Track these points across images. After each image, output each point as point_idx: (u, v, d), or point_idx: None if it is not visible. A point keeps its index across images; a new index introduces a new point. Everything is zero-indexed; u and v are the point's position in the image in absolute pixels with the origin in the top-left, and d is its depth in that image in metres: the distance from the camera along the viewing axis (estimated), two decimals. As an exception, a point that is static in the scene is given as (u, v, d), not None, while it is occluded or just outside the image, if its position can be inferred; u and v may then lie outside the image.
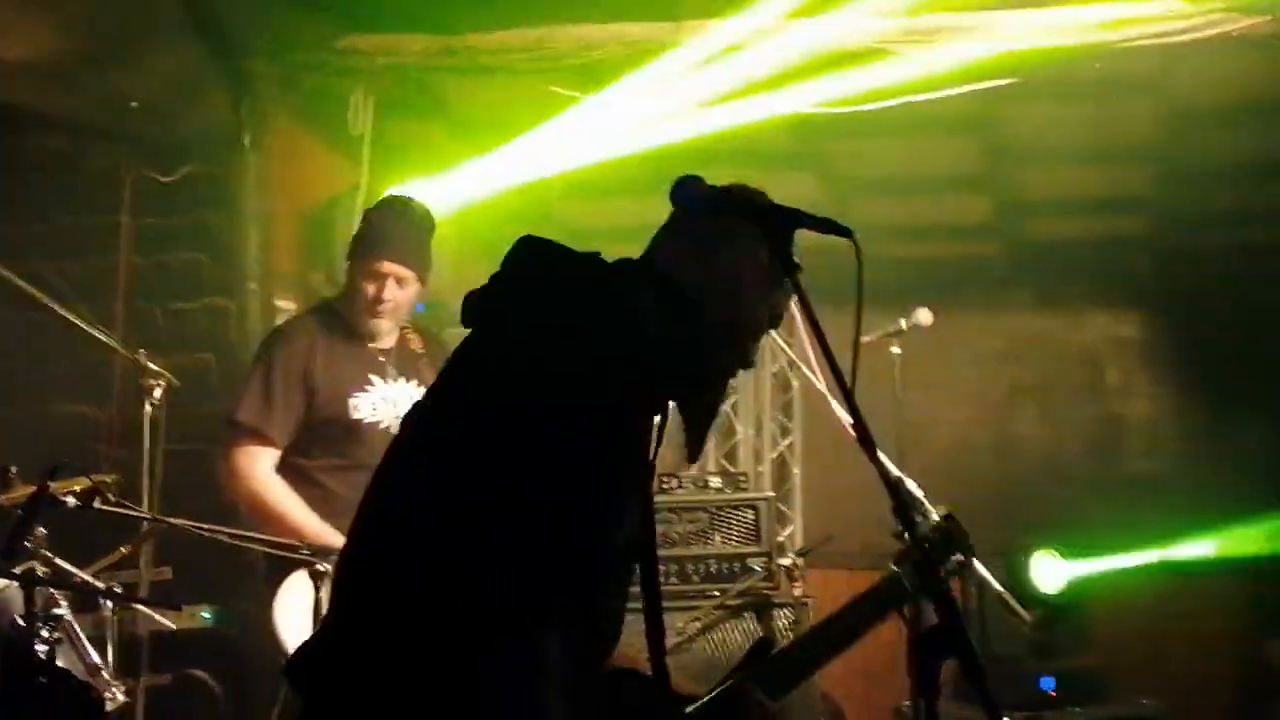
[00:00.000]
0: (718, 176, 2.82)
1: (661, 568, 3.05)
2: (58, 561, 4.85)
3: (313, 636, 2.75)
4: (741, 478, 6.52)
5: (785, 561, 5.97)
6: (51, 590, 4.74)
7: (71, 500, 4.67)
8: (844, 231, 2.62)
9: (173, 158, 6.93)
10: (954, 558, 3.32)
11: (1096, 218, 8.97)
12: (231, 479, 5.33)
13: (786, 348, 5.85)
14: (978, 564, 5.39)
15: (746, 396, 9.69)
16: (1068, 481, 9.54)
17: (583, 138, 6.54)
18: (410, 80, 7.12)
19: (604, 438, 2.59)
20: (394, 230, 5.43)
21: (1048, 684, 6.62)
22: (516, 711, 2.44)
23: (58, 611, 4.76)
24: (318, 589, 4.61)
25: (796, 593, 5.91)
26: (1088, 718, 6.55)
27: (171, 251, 6.94)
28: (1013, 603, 5.60)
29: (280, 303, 7.17)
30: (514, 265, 2.67)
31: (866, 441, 2.55)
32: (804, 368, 5.43)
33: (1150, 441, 9.83)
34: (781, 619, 5.94)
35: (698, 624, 5.71)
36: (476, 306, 2.67)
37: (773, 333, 5.72)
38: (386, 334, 5.47)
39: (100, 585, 5.06)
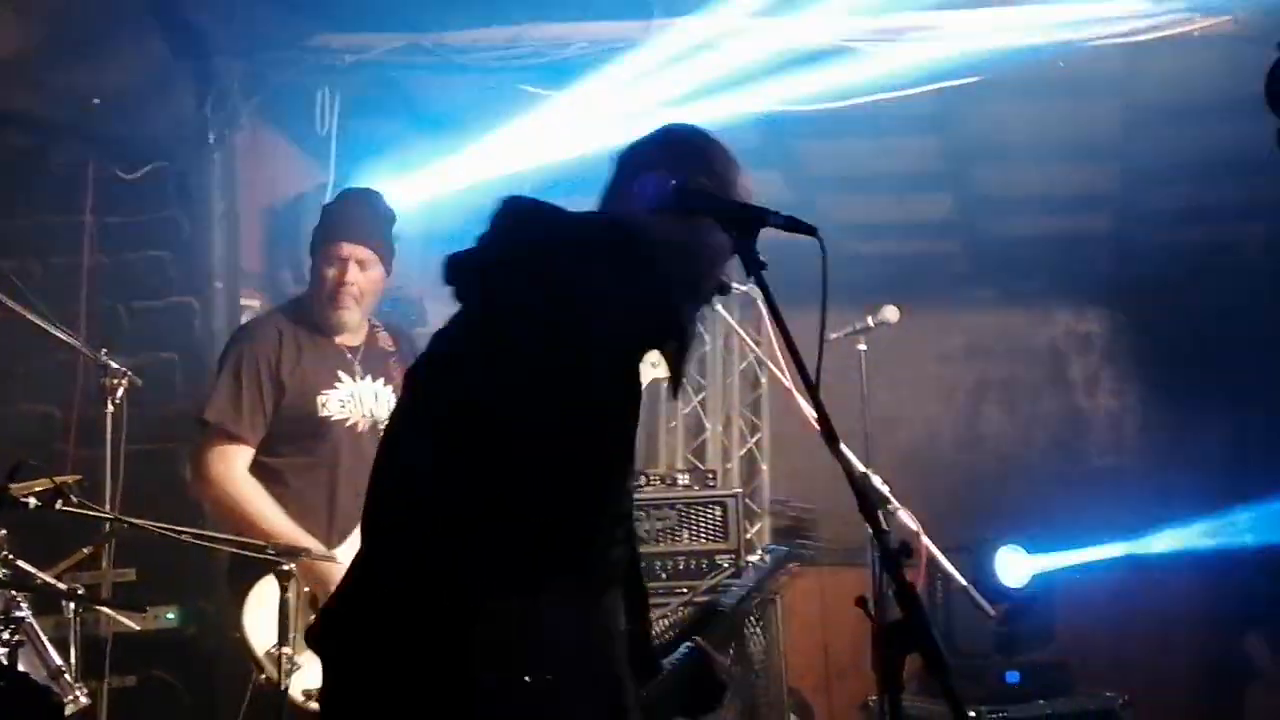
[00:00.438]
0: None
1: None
2: (19, 563, 4.82)
3: (334, 600, 2.77)
4: (710, 475, 6.54)
5: (753, 558, 5.99)
6: (12, 592, 4.71)
7: (33, 501, 4.64)
8: (809, 230, 2.64)
9: (137, 155, 6.89)
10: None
11: (1060, 215, 9.01)
12: (201, 480, 5.31)
13: (754, 346, 5.87)
14: (942, 558, 5.42)
15: (715, 393, 9.71)
16: (1031, 476, 9.59)
17: (552, 136, 6.55)
18: (378, 78, 7.11)
19: (630, 386, 2.66)
20: (351, 214, 5.42)
21: (1012, 678, 6.66)
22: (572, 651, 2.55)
23: (19, 614, 4.72)
24: (284, 589, 4.59)
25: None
26: (1052, 711, 6.59)
27: (136, 249, 6.90)
28: (977, 597, 5.63)
29: (246, 301, 7.14)
30: (512, 222, 2.73)
31: (830, 437, 2.58)
32: (771, 365, 5.45)
33: (1113, 436, 9.89)
34: (749, 616, 5.96)
35: (666, 621, 5.73)
36: (477, 266, 2.71)
37: (740, 330, 5.78)
38: (354, 328, 5.44)
39: (62, 587, 5.03)
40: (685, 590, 5.82)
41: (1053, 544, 7.29)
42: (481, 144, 6.78)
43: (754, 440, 9.76)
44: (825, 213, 8.52)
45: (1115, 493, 9.35)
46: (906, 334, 6.32)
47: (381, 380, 5.41)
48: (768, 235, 2.69)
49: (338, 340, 5.42)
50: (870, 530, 2.62)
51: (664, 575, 5.96)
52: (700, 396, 9.55)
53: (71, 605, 5.15)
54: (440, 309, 2.88)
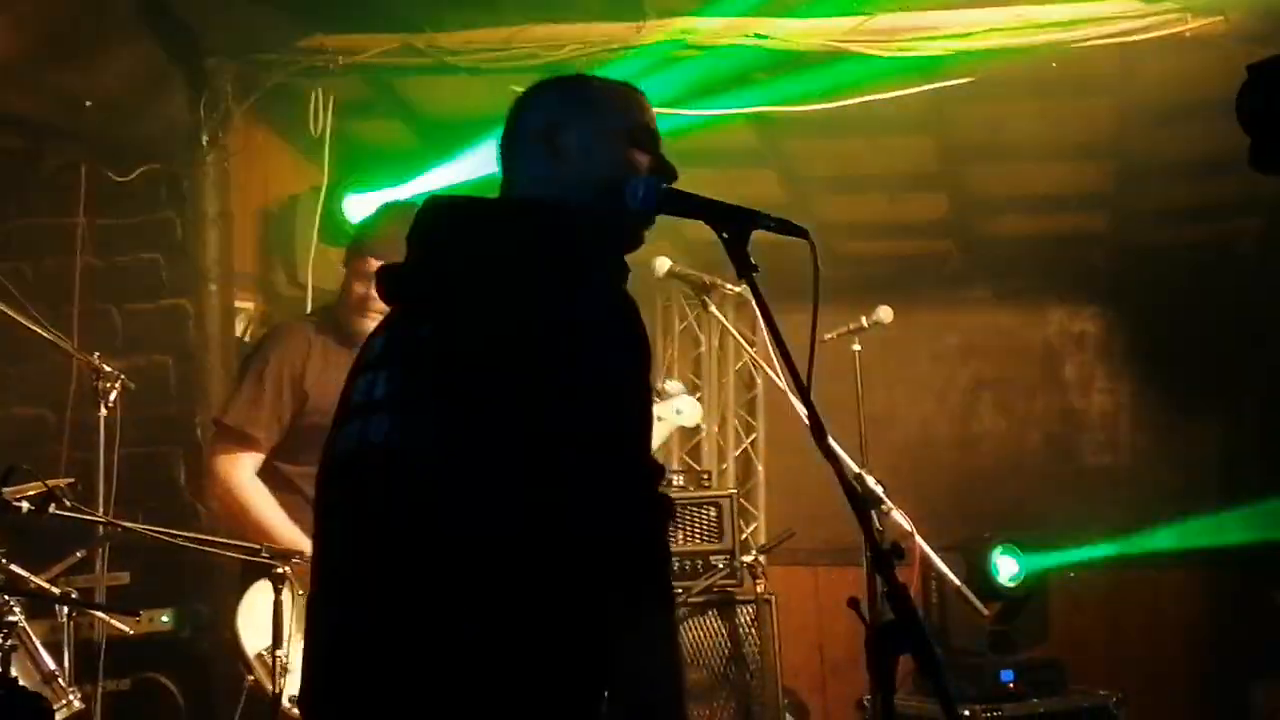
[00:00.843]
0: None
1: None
2: (11, 567, 4.82)
3: (330, 678, 2.65)
4: (705, 475, 6.55)
5: (748, 558, 6.00)
6: (5, 596, 4.71)
7: (26, 505, 4.64)
8: (800, 232, 2.66)
9: (130, 157, 6.89)
10: None
11: (1053, 214, 9.01)
12: (211, 481, 5.31)
13: (749, 346, 5.89)
14: (936, 558, 5.43)
15: (710, 394, 9.72)
16: (1026, 475, 9.59)
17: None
18: (372, 79, 7.11)
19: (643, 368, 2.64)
20: (385, 229, 5.41)
21: (1007, 676, 6.65)
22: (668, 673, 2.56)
23: (11, 618, 4.72)
24: (277, 592, 4.59)
25: (759, 589, 5.93)
26: (1045, 709, 6.59)
27: (129, 252, 6.90)
28: (971, 596, 5.64)
29: (240, 303, 7.14)
30: (449, 233, 2.77)
31: (822, 437, 2.58)
32: (765, 366, 5.46)
33: (1107, 435, 9.88)
34: (744, 616, 5.97)
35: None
36: (434, 281, 2.73)
37: (735, 331, 5.78)
38: None
39: (56, 591, 5.03)
40: (681, 591, 5.82)
41: (1047, 542, 7.28)
42: (475, 146, 6.77)
43: (749, 441, 9.77)
44: (819, 213, 8.53)
45: (1109, 491, 9.36)
46: (901, 334, 6.32)
47: None
48: (761, 234, 2.69)
49: None
50: (862, 531, 2.63)
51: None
52: (695, 397, 9.55)
53: (65, 609, 5.15)
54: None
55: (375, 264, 5.25)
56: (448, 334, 2.65)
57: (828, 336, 5.82)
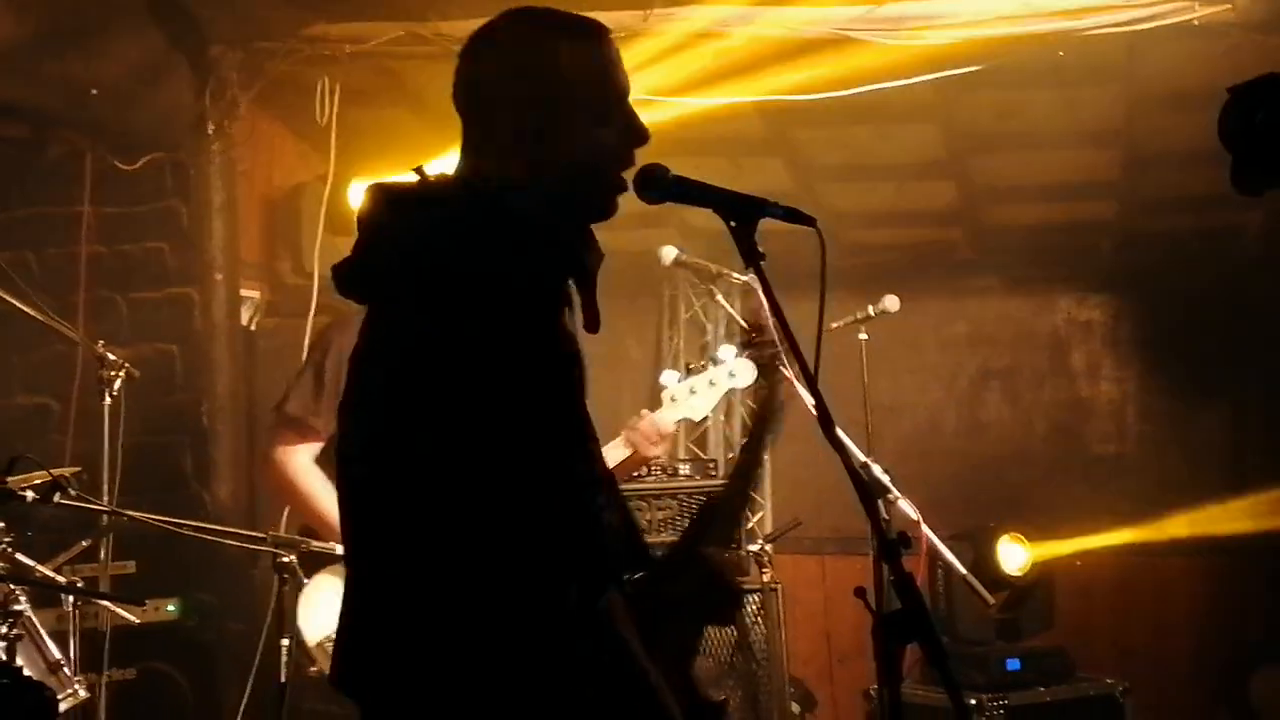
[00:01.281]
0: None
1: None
2: (17, 556, 4.81)
3: (339, 642, 2.68)
4: (711, 465, 6.53)
5: (755, 547, 5.99)
6: (10, 586, 4.70)
7: (30, 494, 4.64)
8: (808, 221, 2.64)
9: (135, 146, 6.88)
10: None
11: (1061, 202, 8.99)
12: (269, 469, 5.27)
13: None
14: (943, 547, 5.42)
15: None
16: (1033, 464, 9.58)
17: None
18: (378, 68, 7.09)
19: (550, 353, 2.55)
20: None
21: (1013, 665, 6.66)
22: (615, 671, 2.48)
23: (17, 607, 4.72)
24: (282, 581, 4.58)
25: (765, 578, 5.93)
26: (1052, 698, 6.60)
27: (134, 240, 6.90)
28: (977, 585, 5.64)
29: (246, 292, 7.14)
30: (379, 219, 2.65)
31: (829, 426, 2.58)
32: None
33: (1114, 424, 9.87)
34: (751, 605, 5.96)
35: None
36: (360, 274, 2.65)
37: (741, 320, 5.76)
38: None
39: (61, 580, 5.03)
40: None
41: (1053, 531, 7.29)
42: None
43: (755, 429, 9.75)
44: (826, 201, 8.52)
45: (1116, 480, 9.36)
46: (908, 322, 6.33)
47: None
48: (768, 223, 2.67)
49: None
50: (869, 520, 2.62)
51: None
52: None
53: (70, 598, 5.15)
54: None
55: None
56: (363, 332, 2.67)
57: (835, 325, 5.81)
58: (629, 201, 2.76)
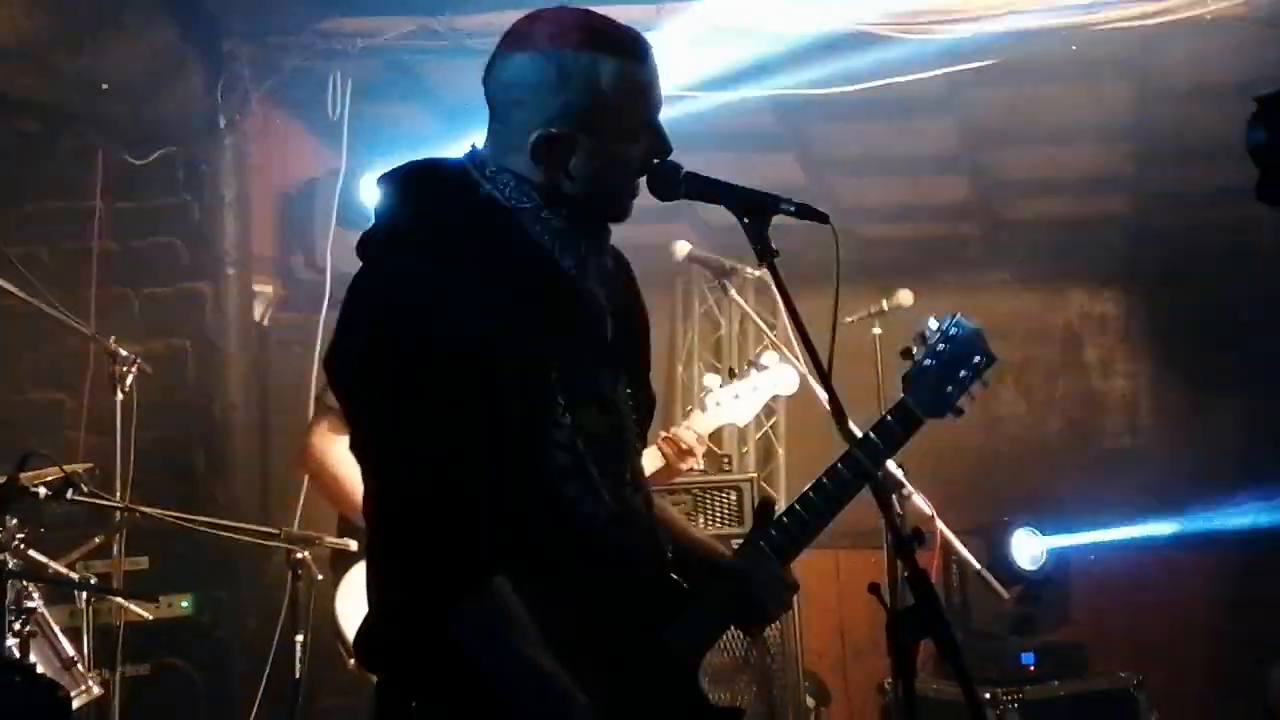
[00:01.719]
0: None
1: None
2: (30, 553, 4.81)
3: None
4: (725, 459, 6.53)
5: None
6: (24, 582, 4.71)
7: (43, 491, 4.64)
8: (821, 217, 2.63)
9: (147, 140, 6.88)
10: (974, 360, 3.28)
11: (1074, 197, 8.97)
12: (307, 456, 5.25)
13: (769, 330, 5.85)
14: (957, 542, 5.41)
15: (730, 378, 9.68)
16: (1047, 458, 9.56)
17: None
18: (390, 62, 7.09)
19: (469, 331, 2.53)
20: None
21: (1027, 659, 6.65)
22: (495, 671, 2.47)
23: (30, 604, 4.72)
24: (296, 577, 4.58)
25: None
26: (1066, 691, 6.59)
27: (146, 235, 6.90)
28: (991, 580, 5.63)
29: (259, 287, 7.14)
30: (384, 194, 2.73)
31: (843, 422, 2.58)
32: (785, 350, 5.44)
33: (1128, 418, 9.85)
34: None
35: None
36: (361, 241, 2.71)
37: (755, 315, 5.76)
38: None
39: (74, 576, 5.03)
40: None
41: (1068, 525, 7.27)
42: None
43: (770, 424, 9.74)
44: (840, 196, 8.50)
45: (1130, 474, 9.32)
46: (922, 317, 6.29)
47: None
48: (781, 216, 2.66)
49: None
50: (882, 516, 2.62)
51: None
52: (719, 381, 9.52)
53: (83, 595, 5.15)
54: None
55: None
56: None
57: (848, 320, 5.80)
58: (642, 196, 2.76)
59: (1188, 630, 8.92)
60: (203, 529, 4.92)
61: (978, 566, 5.57)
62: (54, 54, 6.28)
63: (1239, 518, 8.23)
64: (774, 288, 2.66)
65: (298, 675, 4.69)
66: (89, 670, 4.96)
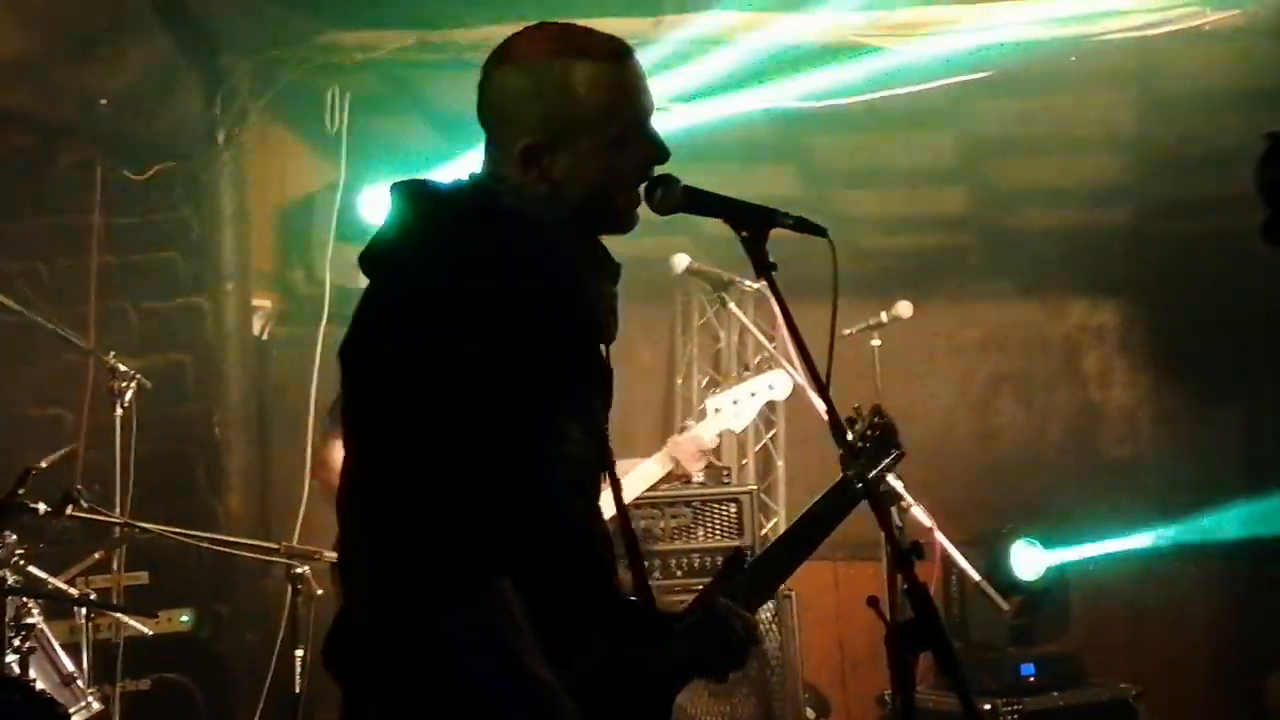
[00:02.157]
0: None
1: (645, 563, 3.00)
2: (29, 568, 4.81)
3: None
4: (724, 471, 6.53)
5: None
6: (23, 598, 4.70)
7: (43, 506, 4.63)
8: (819, 231, 2.64)
9: (146, 155, 6.89)
10: (892, 452, 3.35)
11: (1073, 208, 8.97)
12: (321, 467, 5.25)
13: (768, 343, 5.86)
14: (956, 554, 5.41)
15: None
16: (1046, 469, 9.55)
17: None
18: (388, 76, 7.09)
19: (520, 353, 2.50)
20: None
21: (1027, 670, 6.65)
22: (491, 674, 2.40)
23: (30, 620, 4.72)
24: (295, 592, 4.58)
25: (773, 592, 5.92)
26: (1066, 703, 6.58)
27: (145, 251, 6.90)
28: (991, 591, 5.63)
29: (258, 301, 7.14)
30: (394, 208, 2.67)
31: (840, 432, 2.59)
32: (784, 362, 5.44)
33: (1128, 428, 9.84)
34: (764, 611, 5.95)
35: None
36: (371, 255, 2.65)
37: (753, 328, 5.77)
38: None
39: (74, 592, 5.03)
40: (700, 588, 5.80)
41: (1067, 536, 7.27)
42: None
43: (769, 437, 9.73)
44: (838, 208, 8.50)
45: (1129, 485, 9.31)
46: (920, 328, 6.32)
47: None
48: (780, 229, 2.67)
49: None
50: (882, 529, 2.63)
51: (679, 573, 5.96)
52: (715, 393, 9.52)
53: (83, 610, 5.15)
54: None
55: None
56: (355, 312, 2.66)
57: (847, 332, 5.81)
58: (640, 209, 2.76)
59: (1187, 641, 8.92)
60: (202, 544, 4.91)
61: (977, 578, 5.57)
62: (52, 69, 6.28)
63: (1238, 528, 8.23)
64: (773, 301, 2.66)
65: (297, 690, 4.69)
66: (89, 686, 4.96)
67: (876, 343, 6.09)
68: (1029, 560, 6.91)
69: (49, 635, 4.88)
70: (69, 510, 4.68)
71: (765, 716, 5.97)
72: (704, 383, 9.49)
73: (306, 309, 7.21)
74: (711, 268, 5.53)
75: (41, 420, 6.74)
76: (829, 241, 2.63)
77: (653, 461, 5.22)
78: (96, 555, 5.43)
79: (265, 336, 7.30)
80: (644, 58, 2.79)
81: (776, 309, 2.68)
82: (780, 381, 5.27)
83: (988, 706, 6.28)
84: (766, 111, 6.85)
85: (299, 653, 4.65)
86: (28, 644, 4.67)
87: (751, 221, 2.65)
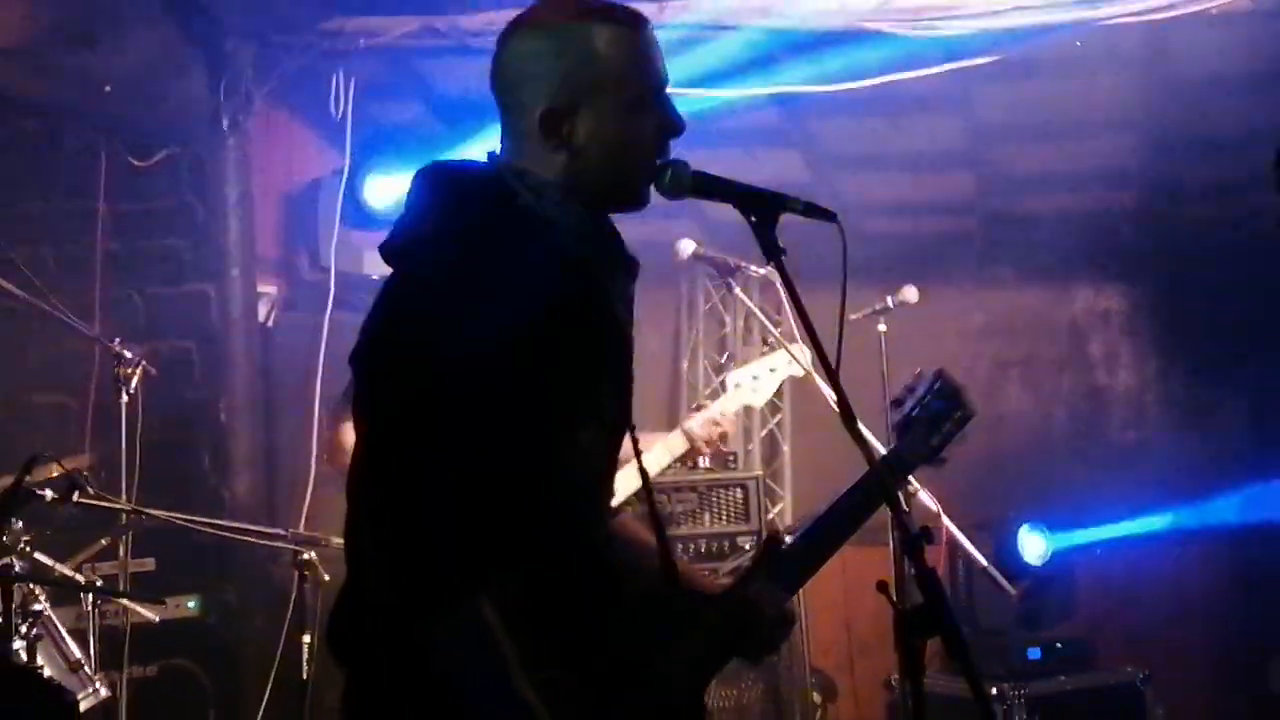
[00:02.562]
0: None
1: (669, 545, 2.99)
2: (36, 555, 4.81)
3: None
4: (731, 457, 6.53)
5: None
6: (30, 585, 4.71)
7: (49, 493, 4.64)
8: (828, 215, 2.63)
9: (150, 141, 6.87)
10: (955, 414, 3.31)
11: (1078, 191, 8.97)
12: (333, 450, 5.23)
13: (774, 328, 5.86)
14: (963, 539, 5.41)
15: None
16: (1052, 453, 9.56)
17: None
18: (393, 62, 7.08)
19: (540, 344, 2.49)
20: None
21: (1034, 654, 6.66)
22: (474, 685, 2.38)
23: (37, 607, 4.72)
24: (302, 578, 4.58)
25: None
26: (1073, 686, 6.59)
27: (149, 237, 6.89)
28: (998, 576, 5.63)
29: (263, 288, 7.13)
30: (417, 197, 2.65)
31: (850, 419, 2.58)
32: (789, 348, 5.44)
33: (1133, 412, 9.84)
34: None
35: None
36: (395, 246, 2.63)
37: (760, 313, 5.76)
38: None
39: (80, 579, 5.03)
40: (707, 573, 5.80)
41: (1074, 520, 7.27)
42: (497, 127, 6.74)
43: (775, 422, 9.74)
44: (844, 193, 8.50)
45: (1135, 469, 9.32)
46: (926, 313, 6.30)
47: None
48: (787, 215, 2.66)
49: None
50: (890, 513, 2.62)
51: (686, 557, 5.96)
52: (721, 378, 9.53)
53: (90, 597, 5.15)
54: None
55: None
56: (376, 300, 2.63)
57: (853, 317, 5.79)
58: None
59: (1192, 625, 8.93)
60: (208, 530, 4.91)
61: (984, 563, 5.58)
62: (56, 54, 6.26)
63: (1244, 512, 8.24)
64: (781, 286, 2.66)
65: (305, 676, 4.69)
66: (96, 672, 4.96)
67: (883, 328, 6.08)
68: (1035, 545, 6.91)
69: (56, 622, 4.88)
70: (75, 497, 4.69)
71: (772, 701, 5.98)
72: (709, 369, 9.51)
73: (312, 295, 7.20)
74: (717, 252, 5.52)
75: (46, 407, 6.74)
76: (839, 226, 2.62)
77: (665, 443, 5.21)
78: (103, 542, 5.43)
79: (270, 323, 7.29)
80: (649, 42, 2.78)
81: (785, 294, 2.67)
82: (801, 355, 5.27)
83: (995, 691, 6.29)
84: (773, 97, 6.84)
85: (306, 638, 4.65)
86: (35, 631, 4.68)
87: (760, 206, 2.64)
